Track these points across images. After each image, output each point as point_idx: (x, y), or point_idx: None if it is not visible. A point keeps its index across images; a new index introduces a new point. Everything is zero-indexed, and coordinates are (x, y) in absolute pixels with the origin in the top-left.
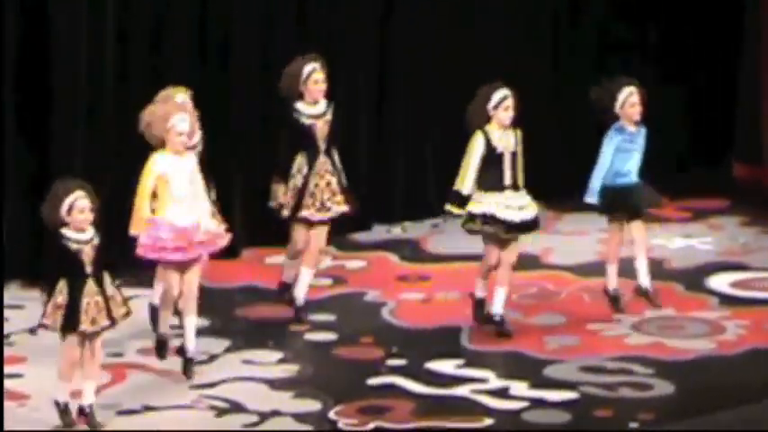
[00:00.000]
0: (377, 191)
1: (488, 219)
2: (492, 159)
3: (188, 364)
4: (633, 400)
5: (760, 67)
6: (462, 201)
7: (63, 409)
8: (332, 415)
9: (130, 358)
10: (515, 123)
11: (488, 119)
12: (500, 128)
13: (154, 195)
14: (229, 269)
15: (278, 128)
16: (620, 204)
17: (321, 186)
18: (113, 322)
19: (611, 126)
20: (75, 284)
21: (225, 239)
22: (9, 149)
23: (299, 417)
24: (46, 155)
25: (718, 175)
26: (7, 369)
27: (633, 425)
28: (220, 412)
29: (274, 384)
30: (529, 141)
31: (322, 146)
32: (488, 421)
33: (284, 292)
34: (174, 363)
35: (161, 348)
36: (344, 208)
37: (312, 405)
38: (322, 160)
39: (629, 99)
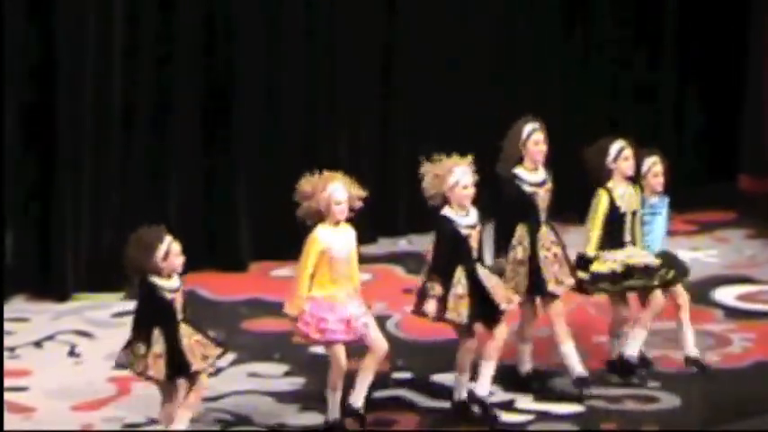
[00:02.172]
0: (382, 204)
1: (617, 276)
2: (614, 219)
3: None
4: (639, 413)
5: (765, 80)
6: (588, 263)
7: None
8: None
9: None
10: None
11: (609, 173)
12: (623, 182)
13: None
14: (236, 282)
15: (499, 196)
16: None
17: (549, 259)
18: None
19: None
20: (170, 331)
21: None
22: (15, 165)
23: (305, 430)
24: (52, 171)
25: (724, 187)
26: (13, 382)
27: None
28: (226, 425)
29: (280, 397)
30: None
31: (543, 216)
32: None
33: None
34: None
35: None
36: (571, 281)
37: (318, 418)
38: (544, 231)
39: (652, 169)
